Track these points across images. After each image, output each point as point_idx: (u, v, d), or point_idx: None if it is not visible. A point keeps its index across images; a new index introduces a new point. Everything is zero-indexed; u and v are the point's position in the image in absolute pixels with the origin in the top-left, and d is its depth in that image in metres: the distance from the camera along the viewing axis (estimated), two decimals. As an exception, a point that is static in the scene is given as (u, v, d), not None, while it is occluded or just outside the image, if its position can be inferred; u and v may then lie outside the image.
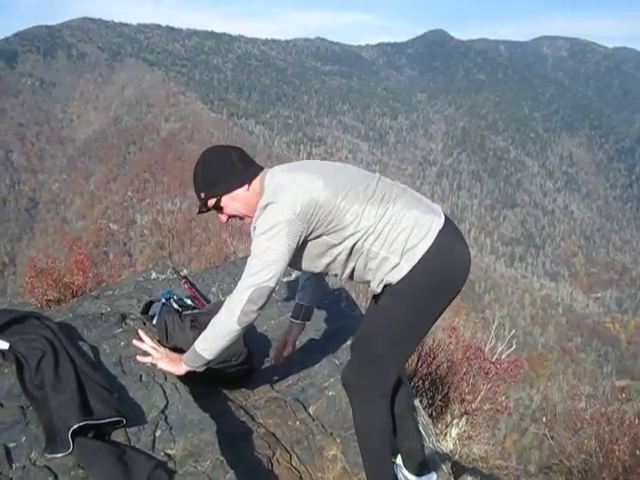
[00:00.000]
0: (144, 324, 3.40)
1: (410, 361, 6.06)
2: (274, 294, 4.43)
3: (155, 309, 3.43)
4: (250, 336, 3.53)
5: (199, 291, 4.06)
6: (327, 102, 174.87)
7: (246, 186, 2.61)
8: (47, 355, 2.51)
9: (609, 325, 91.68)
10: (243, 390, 3.35)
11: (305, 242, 2.52)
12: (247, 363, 3.33)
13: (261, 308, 2.46)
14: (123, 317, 3.32)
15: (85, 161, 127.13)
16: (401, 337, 2.61)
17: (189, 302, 3.54)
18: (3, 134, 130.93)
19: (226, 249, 9.96)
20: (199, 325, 3.24)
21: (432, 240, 2.49)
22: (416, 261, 2.47)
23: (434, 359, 6.20)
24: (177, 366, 2.65)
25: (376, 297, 2.81)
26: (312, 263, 2.63)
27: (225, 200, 2.61)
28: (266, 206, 2.46)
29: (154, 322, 3.35)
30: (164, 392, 2.68)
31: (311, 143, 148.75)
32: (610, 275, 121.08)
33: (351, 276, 2.67)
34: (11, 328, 2.70)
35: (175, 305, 3.41)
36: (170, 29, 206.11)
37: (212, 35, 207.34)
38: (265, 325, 4.06)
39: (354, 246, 2.51)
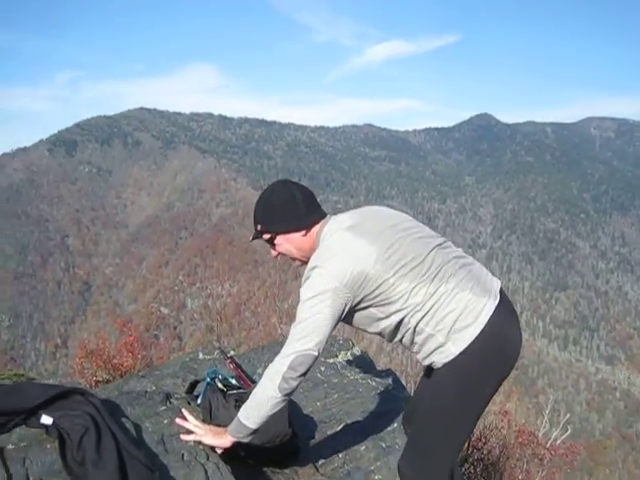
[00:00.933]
0: (188, 403, 3.38)
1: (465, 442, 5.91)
2: (320, 375, 4.44)
3: (200, 388, 3.41)
4: (295, 417, 3.48)
5: (245, 371, 4.04)
6: (375, 187, 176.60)
7: (304, 231, 2.60)
8: (89, 431, 2.50)
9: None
10: (287, 472, 3.26)
11: (351, 311, 2.48)
12: (292, 444, 3.27)
13: (302, 375, 2.42)
14: (167, 396, 3.30)
15: (138, 246, 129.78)
16: (453, 425, 2.54)
17: (234, 382, 3.51)
18: (60, 219, 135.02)
19: (274, 333, 9.96)
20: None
21: (482, 327, 2.44)
22: (464, 347, 2.42)
23: (486, 443, 6.03)
24: (222, 438, 2.65)
25: (426, 376, 2.76)
26: (360, 327, 2.60)
27: (280, 239, 2.61)
28: (314, 268, 2.43)
29: (198, 401, 3.33)
30: (206, 472, 2.63)
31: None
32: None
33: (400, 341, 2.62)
34: (56, 404, 2.70)
35: (220, 385, 3.38)
36: (222, 117, 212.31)
37: (262, 123, 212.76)
38: (311, 407, 4.01)
39: (401, 321, 2.47)
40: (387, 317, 2.47)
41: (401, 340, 2.57)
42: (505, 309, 2.55)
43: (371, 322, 2.53)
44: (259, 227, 2.62)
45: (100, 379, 6.98)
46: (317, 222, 2.61)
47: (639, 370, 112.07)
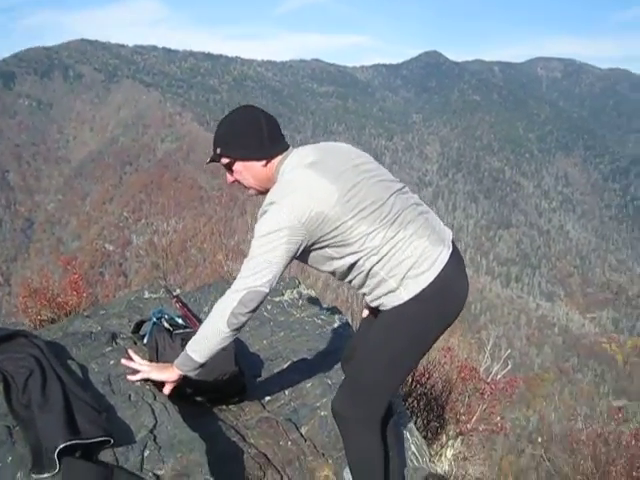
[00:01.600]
0: (135, 343, 3.37)
1: (405, 380, 6.03)
2: (266, 313, 4.46)
3: (146, 328, 3.40)
4: (242, 355, 3.50)
5: (191, 310, 4.03)
6: (323, 123, 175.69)
7: (264, 162, 2.53)
8: (34, 374, 2.47)
9: (605, 345, 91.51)
10: (234, 410, 3.29)
11: (306, 250, 2.45)
12: (238, 382, 3.29)
13: (252, 312, 2.40)
14: (113, 336, 3.28)
15: (81, 181, 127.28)
16: (393, 367, 2.58)
17: (180, 321, 3.50)
18: (0, 154, 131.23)
19: (221, 270, 9.94)
20: (190, 344, 3.21)
21: (435, 275, 2.45)
22: (416, 292, 2.44)
23: (429, 379, 6.16)
24: (169, 372, 2.64)
25: (370, 316, 2.78)
26: (313, 265, 2.58)
27: (238, 165, 2.55)
28: (272, 204, 2.39)
29: (145, 341, 3.31)
30: (153, 411, 2.64)
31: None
32: (606, 295, 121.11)
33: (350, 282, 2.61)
34: (-1, 347, 2.67)
35: (166, 324, 3.36)
36: (167, 50, 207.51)
37: (208, 56, 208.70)
38: (257, 345, 4.04)
39: (355, 263, 2.46)
40: (342, 258, 2.46)
41: (351, 281, 2.57)
42: (456, 260, 2.59)
43: (325, 261, 2.51)
44: (218, 150, 2.54)
45: (45, 318, 6.89)
46: (279, 153, 2.55)
47: (577, 307, 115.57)
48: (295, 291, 4.86)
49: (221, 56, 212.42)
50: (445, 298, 2.52)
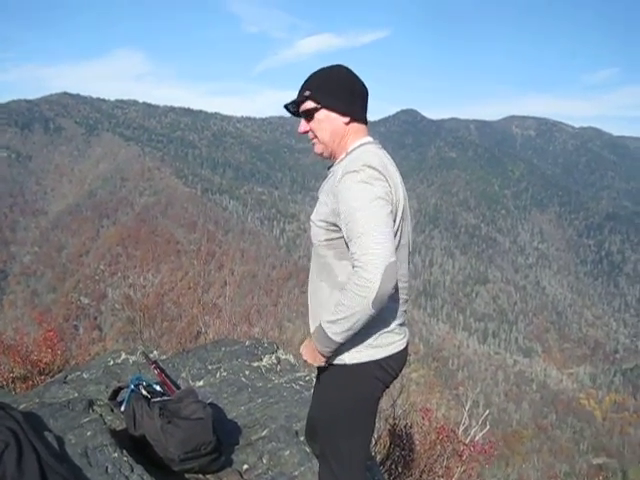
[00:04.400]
0: (112, 411, 3.35)
1: (384, 443, 6.01)
2: (244, 379, 4.45)
3: (124, 395, 3.38)
4: (219, 423, 3.48)
5: (169, 376, 4.01)
6: (300, 179, 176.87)
7: (348, 119, 2.46)
8: (10, 447, 2.45)
9: (584, 401, 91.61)
10: (211, 479, 3.26)
11: (339, 229, 2.37)
12: (216, 452, 3.27)
13: (395, 286, 2.22)
14: (90, 404, 3.26)
15: (58, 234, 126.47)
16: (356, 433, 2.54)
17: (158, 388, 3.49)
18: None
19: (197, 326, 9.91)
20: (168, 413, 3.19)
21: (404, 345, 2.49)
22: (382, 356, 2.42)
23: (407, 441, 6.14)
24: (317, 357, 2.45)
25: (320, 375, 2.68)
26: (317, 239, 2.48)
27: (321, 114, 2.45)
28: (366, 167, 2.30)
29: (122, 409, 3.29)
30: (130, 484, 2.62)
31: (284, 219, 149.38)
32: (583, 350, 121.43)
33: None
34: (-26, 418, 2.64)
35: (144, 392, 3.35)
36: (147, 105, 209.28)
37: (188, 112, 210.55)
38: (235, 412, 4.01)
39: (347, 275, 2.35)
40: (343, 255, 2.40)
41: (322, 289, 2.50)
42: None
43: (326, 249, 2.45)
44: (307, 93, 2.44)
45: (17, 375, 6.82)
46: (361, 122, 2.51)
47: (555, 362, 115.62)
48: (274, 356, 4.85)
49: (201, 112, 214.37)
50: (398, 369, 2.52)
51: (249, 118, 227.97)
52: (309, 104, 2.45)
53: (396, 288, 2.31)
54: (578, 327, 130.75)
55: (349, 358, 2.41)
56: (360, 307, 2.18)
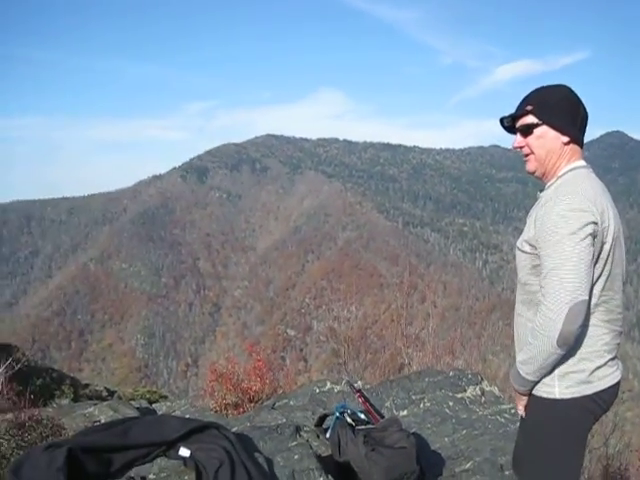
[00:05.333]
0: (318, 437, 3.43)
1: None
2: (448, 410, 4.40)
3: (329, 422, 3.45)
4: (423, 453, 3.46)
5: (373, 405, 4.05)
6: (502, 209, 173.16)
7: (567, 139, 2.38)
8: (224, 465, 2.59)
9: None
10: (415, 510, 3.24)
11: (533, 250, 2.31)
12: (419, 481, 3.25)
13: (582, 325, 2.14)
14: (297, 429, 3.36)
15: (265, 269, 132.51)
16: (562, 472, 2.40)
17: (363, 417, 3.53)
18: (192, 243, 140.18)
19: (400, 358, 9.94)
20: (372, 441, 3.21)
21: (618, 379, 2.35)
22: (594, 391, 2.30)
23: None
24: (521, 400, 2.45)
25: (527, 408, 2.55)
26: (518, 262, 2.43)
27: (540, 130, 2.38)
28: (562, 200, 2.22)
29: (327, 435, 3.36)
30: (336, 508, 2.66)
31: (487, 250, 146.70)
32: None
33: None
34: (192, 437, 2.82)
35: (349, 419, 3.40)
36: (347, 142, 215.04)
37: (387, 147, 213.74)
38: (439, 442, 3.97)
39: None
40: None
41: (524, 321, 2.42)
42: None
43: (537, 274, 2.31)
44: (529, 107, 2.37)
45: (229, 402, 7.19)
46: (578, 143, 2.42)
47: None
48: (477, 388, 4.76)
49: (400, 146, 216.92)
50: (607, 406, 2.39)
51: (448, 150, 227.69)
52: (530, 118, 2.38)
53: (586, 324, 2.22)
54: None
55: (560, 393, 2.31)
56: (545, 346, 2.15)
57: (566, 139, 2.37)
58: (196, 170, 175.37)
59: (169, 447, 2.75)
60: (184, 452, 2.74)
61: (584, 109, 2.41)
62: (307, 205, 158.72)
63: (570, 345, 2.15)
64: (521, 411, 2.46)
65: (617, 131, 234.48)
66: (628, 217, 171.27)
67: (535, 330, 2.17)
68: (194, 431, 2.83)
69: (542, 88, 2.43)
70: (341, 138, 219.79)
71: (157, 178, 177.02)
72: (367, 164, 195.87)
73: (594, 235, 2.19)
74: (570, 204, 2.19)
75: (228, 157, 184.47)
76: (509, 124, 2.47)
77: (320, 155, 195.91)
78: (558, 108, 2.35)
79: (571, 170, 2.37)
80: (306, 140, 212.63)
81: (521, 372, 2.28)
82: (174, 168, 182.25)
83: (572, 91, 2.41)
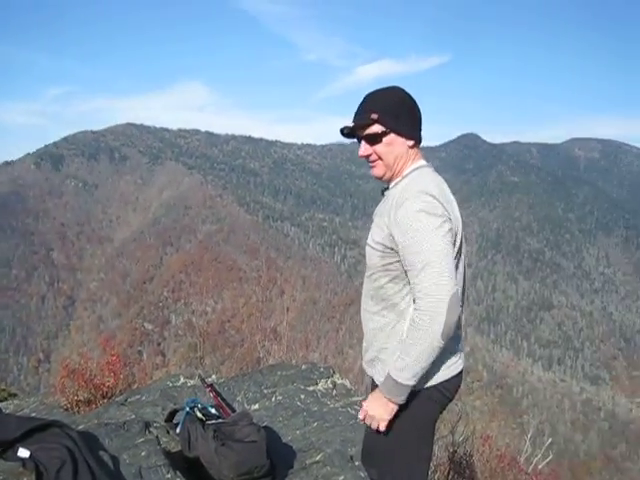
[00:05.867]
0: (168, 432, 3.38)
1: (443, 471, 5.92)
2: (300, 403, 4.44)
3: (179, 417, 3.41)
4: (274, 447, 3.48)
5: (224, 400, 4.03)
6: (361, 205, 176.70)
7: (412, 143, 2.45)
8: (66, 465, 2.50)
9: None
10: (265, 503, 3.25)
11: (395, 253, 2.35)
12: (269, 475, 3.27)
13: (459, 316, 2.23)
14: (146, 425, 3.30)
15: (123, 261, 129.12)
16: (416, 461, 2.51)
17: (213, 411, 3.51)
18: (45, 233, 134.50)
19: (257, 352, 9.95)
20: (222, 435, 3.20)
21: (461, 368, 2.47)
22: (440, 380, 2.39)
23: (467, 469, 6.03)
24: (388, 408, 2.34)
25: None
26: (374, 265, 2.46)
27: (389, 138, 2.40)
28: (425, 193, 2.30)
29: (177, 431, 3.32)
30: (183, 505, 2.63)
31: (346, 246, 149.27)
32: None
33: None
34: (33, 436, 2.70)
35: (199, 414, 3.37)
36: (209, 134, 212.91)
37: (249, 140, 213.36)
38: (290, 435, 4.00)
39: (403, 299, 2.39)
40: (399, 282, 2.39)
41: (380, 318, 2.48)
42: None
43: (387, 271, 2.40)
44: (374, 116, 2.36)
45: (81, 399, 6.95)
46: (419, 144, 2.50)
47: (623, 390, 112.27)
48: (329, 381, 4.83)
49: (262, 140, 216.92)
50: (454, 392, 2.50)
51: (310, 145, 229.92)
52: (376, 127, 2.39)
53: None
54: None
55: None
56: (429, 342, 2.17)
57: (411, 143, 2.45)
58: (51, 157, 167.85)
59: (6, 448, 2.62)
60: (23, 453, 2.62)
61: (419, 109, 2.47)
62: (167, 196, 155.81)
63: (450, 337, 2.20)
64: (384, 427, 2.40)
65: (472, 133, 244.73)
66: (480, 216, 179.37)
67: (416, 328, 2.19)
68: (34, 430, 2.72)
69: (378, 93, 2.45)
70: (203, 130, 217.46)
71: (8, 164, 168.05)
72: (228, 157, 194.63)
73: (451, 230, 2.29)
74: (428, 202, 2.27)
75: (85, 145, 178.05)
76: (351, 132, 2.47)
77: (181, 146, 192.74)
78: (402, 114, 2.41)
79: (416, 169, 2.46)
80: (167, 130, 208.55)
81: (399, 380, 2.25)
82: (27, 154, 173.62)
83: (407, 92, 2.47)
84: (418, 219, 2.23)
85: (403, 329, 2.36)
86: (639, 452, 79.32)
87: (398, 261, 2.34)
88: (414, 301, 2.26)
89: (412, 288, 2.26)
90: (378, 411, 2.36)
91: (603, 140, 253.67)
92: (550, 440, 7.72)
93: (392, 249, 2.34)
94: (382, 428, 2.38)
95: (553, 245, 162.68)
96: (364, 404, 2.45)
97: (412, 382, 2.25)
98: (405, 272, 2.33)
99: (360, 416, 2.48)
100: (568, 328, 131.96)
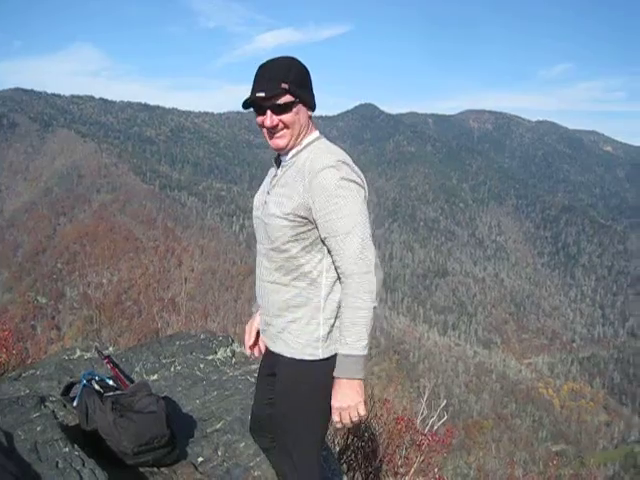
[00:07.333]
0: (64, 406, 3.31)
1: (342, 434, 6.03)
2: (199, 372, 4.44)
3: (76, 390, 3.34)
4: (174, 417, 3.47)
5: (122, 371, 3.98)
6: (259, 174, 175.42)
7: (311, 113, 2.49)
8: (-42, 443, 2.43)
9: (542, 390, 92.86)
10: (166, 472, 3.24)
11: (307, 222, 2.36)
12: (170, 445, 3.25)
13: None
14: (42, 400, 3.22)
15: (13, 232, 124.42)
16: (315, 425, 2.56)
17: (111, 383, 3.46)
18: None
19: (154, 323, 9.83)
20: (120, 407, 3.16)
21: None
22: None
23: (366, 431, 6.16)
24: (352, 394, 2.32)
25: (267, 373, 2.69)
26: (275, 230, 2.43)
27: (297, 108, 2.41)
28: (340, 162, 2.33)
29: (74, 404, 3.26)
30: (81, 478, 2.59)
31: (244, 215, 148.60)
32: (541, 341, 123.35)
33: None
34: None
35: (96, 386, 3.32)
36: (103, 101, 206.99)
37: (145, 107, 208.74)
38: (190, 405, 3.99)
39: (315, 268, 2.41)
40: (311, 251, 2.40)
41: (286, 284, 2.47)
42: None
43: (295, 242, 2.39)
44: (285, 86, 2.34)
45: (-29, 376, 6.71)
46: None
47: (514, 353, 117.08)
48: (228, 349, 4.84)
49: (158, 107, 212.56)
50: None
51: (207, 113, 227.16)
52: (286, 98, 2.37)
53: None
54: (536, 318, 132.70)
55: (323, 353, 2.42)
56: (370, 304, 2.25)
57: (311, 112, 2.48)
58: None
59: None
60: None
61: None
62: (59, 165, 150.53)
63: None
64: (363, 409, 2.36)
65: (369, 104, 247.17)
66: (377, 185, 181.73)
67: (354, 295, 2.25)
68: None
69: (280, 62, 2.42)
70: (97, 96, 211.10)
71: None
72: (124, 124, 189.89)
73: (366, 198, 2.38)
74: (346, 170, 2.31)
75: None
76: (257, 102, 2.42)
77: (74, 113, 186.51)
78: (307, 84, 2.44)
79: (317, 139, 2.49)
80: (59, 96, 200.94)
81: (358, 352, 2.27)
82: None
83: (301, 61, 2.47)
84: (340, 186, 2.27)
85: (320, 298, 2.40)
86: (527, 410, 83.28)
87: (310, 230, 2.36)
88: (338, 267, 2.31)
89: (335, 254, 2.30)
90: (350, 398, 2.32)
91: (496, 112, 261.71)
92: (445, 402, 7.94)
93: (305, 217, 2.34)
94: (362, 412, 2.35)
95: (448, 214, 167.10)
96: (333, 404, 2.37)
97: (366, 352, 2.28)
98: (318, 240, 2.37)
99: (336, 418, 2.39)
100: (462, 294, 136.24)
